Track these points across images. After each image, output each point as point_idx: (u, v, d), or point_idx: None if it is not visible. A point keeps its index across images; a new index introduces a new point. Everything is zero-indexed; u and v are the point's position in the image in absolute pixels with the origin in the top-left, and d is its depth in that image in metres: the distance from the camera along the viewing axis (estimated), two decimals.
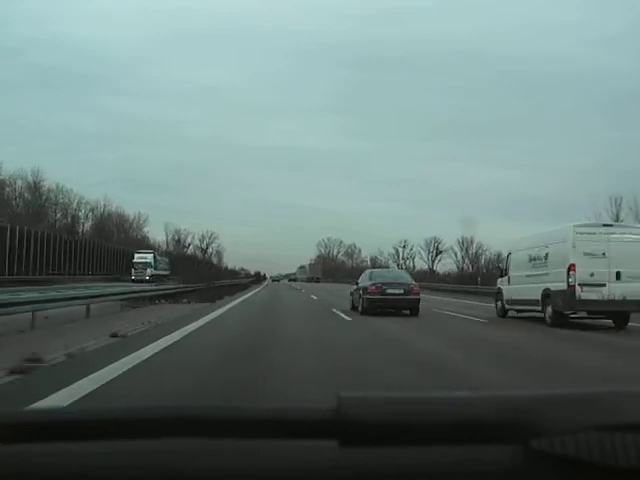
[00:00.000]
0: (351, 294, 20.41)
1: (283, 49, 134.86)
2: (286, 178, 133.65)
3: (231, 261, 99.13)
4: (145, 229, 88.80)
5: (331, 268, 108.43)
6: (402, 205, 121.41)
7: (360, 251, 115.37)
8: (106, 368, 6.95)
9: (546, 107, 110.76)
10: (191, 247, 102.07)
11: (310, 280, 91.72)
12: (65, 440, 0.76)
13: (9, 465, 0.75)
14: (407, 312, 17.79)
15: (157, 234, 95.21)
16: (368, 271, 21.42)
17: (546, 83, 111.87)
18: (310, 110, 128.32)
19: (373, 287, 17.82)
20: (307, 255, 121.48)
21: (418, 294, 18.04)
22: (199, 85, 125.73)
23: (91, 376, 6.44)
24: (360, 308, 18.08)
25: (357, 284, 19.52)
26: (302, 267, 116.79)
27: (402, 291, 17.85)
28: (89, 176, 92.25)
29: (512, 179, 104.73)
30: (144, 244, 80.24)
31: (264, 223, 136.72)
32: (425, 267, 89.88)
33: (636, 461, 0.69)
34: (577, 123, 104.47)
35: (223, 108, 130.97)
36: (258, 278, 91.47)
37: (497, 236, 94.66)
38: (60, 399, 5.29)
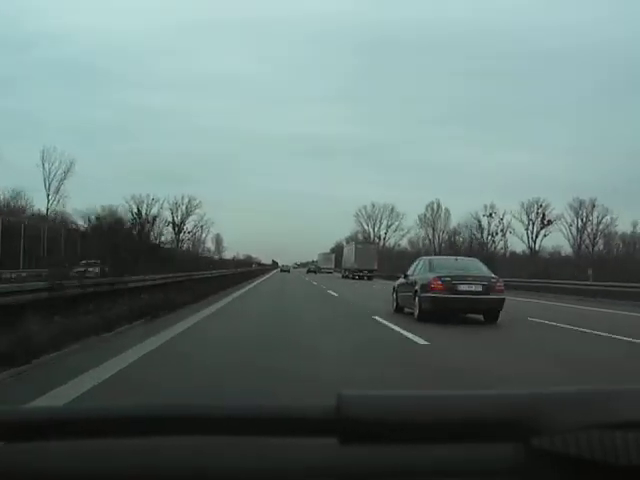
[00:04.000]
0: (394, 290, 15.64)
1: (289, 37, 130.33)
2: (297, 166, 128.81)
3: (246, 250, 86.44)
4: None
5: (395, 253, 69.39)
6: (424, 192, 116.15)
7: (449, 215, 73.61)
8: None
9: (566, 88, 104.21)
10: (158, 222, 72.45)
11: (354, 274, 55.90)
12: (64, 439, 0.77)
13: (9, 464, 0.76)
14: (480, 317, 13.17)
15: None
16: (425, 259, 15.57)
17: (559, 64, 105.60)
18: (316, 99, 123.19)
19: (439, 282, 12.92)
20: (332, 241, 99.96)
21: (502, 292, 13.30)
22: (205, 75, 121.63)
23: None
24: (416, 311, 13.19)
25: (406, 277, 14.85)
26: (333, 251, 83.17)
27: (480, 288, 12.94)
28: (103, 169, 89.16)
29: None
30: None
31: (278, 211, 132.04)
32: (522, 248, 60.16)
33: (637, 459, 0.68)
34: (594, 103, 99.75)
35: (230, 97, 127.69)
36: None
37: None
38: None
